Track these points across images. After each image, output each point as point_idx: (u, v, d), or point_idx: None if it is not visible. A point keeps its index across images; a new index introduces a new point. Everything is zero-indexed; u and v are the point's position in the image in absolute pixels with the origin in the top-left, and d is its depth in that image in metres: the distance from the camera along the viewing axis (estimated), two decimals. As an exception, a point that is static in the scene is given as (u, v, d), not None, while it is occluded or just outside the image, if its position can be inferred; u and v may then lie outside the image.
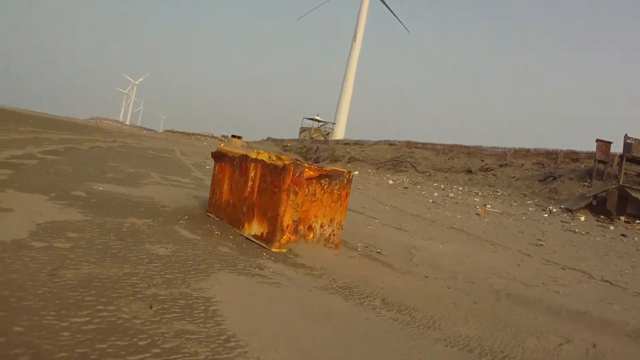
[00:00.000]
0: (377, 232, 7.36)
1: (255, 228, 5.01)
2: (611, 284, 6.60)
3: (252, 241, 4.91)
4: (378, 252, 5.63)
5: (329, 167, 5.35)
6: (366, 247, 5.83)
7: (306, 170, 4.89)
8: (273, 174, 4.91)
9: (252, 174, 5.24)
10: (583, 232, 16.51)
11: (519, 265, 6.67)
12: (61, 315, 2.35)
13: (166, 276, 3.24)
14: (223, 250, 4.31)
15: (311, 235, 5.01)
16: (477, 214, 17.17)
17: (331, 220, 5.18)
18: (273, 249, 4.67)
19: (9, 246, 3.23)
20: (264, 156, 5.66)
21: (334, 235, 5.23)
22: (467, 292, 4.40)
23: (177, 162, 16.20)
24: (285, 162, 4.93)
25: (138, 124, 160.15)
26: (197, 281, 3.27)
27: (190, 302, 2.87)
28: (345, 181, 5.30)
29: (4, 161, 7.46)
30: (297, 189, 4.81)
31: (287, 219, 4.78)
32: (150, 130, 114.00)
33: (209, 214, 5.96)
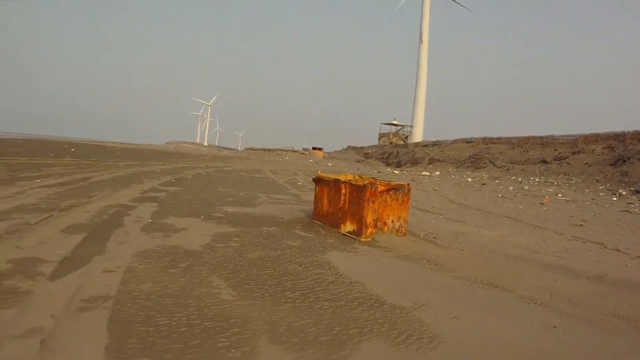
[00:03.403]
0: (438, 225, 9.75)
1: (348, 227, 7.62)
2: (619, 251, 8.26)
3: (347, 235, 7.51)
4: (434, 237, 8.08)
5: (394, 182, 7.89)
6: (426, 234, 8.29)
7: (379, 186, 7.45)
8: (357, 190, 7.49)
9: (343, 192, 7.83)
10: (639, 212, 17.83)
11: (544, 241, 8.77)
12: (259, 270, 5.06)
13: (302, 255, 5.93)
14: (330, 241, 6.97)
15: (386, 228, 7.56)
16: (541, 203, 18.87)
17: (398, 217, 7.71)
18: (362, 239, 7.25)
19: (206, 247, 5.90)
20: (350, 178, 8.31)
21: (401, 227, 7.75)
22: (486, 256, 6.80)
23: (272, 181, 18.87)
24: (365, 182, 7.52)
25: (216, 144, 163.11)
26: (320, 255, 5.94)
27: (320, 263, 5.54)
28: (406, 191, 7.82)
29: (143, 196, 10.38)
30: (374, 199, 7.38)
31: (369, 219, 7.35)
32: (229, 149, 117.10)
33: (314, 221, 8.59)
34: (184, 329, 3.28)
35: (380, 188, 7.48)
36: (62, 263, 4.60)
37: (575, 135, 43.19)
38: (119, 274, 4.40)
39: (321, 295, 4.35)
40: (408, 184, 7.95)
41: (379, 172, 41.02)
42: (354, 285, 4.72)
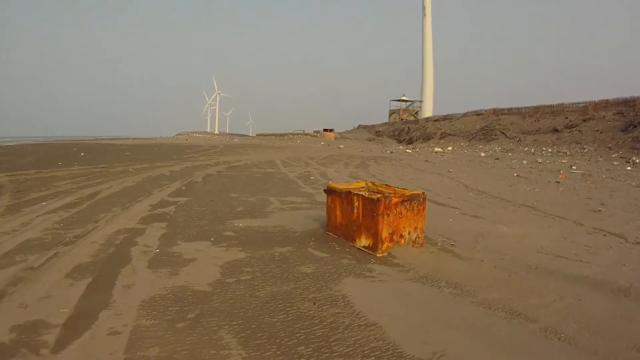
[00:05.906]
0: (455, 224, 9.36)
1: (363, 241, 7.29)
2: (640, 244, 7.97)
3: (363, 250, 7.19)
4: (452, 245, 7.71)
5: (408, 192, 7.54)
6: (444, 241, 7.92)
7: (393, 198, 7.10)
8: (371, 204, 7.14)
9: (356, 204, 7.48)
10: (655, 185, 17.33)
11: (565, 238, 8.33)
12: (271, 316, 4.77)
13: (316, 286, 5.60)
14: (345, 262, 6.64)
15: (402, 241, 7.23)
16: (557, 181, 18.38)
17: (415, 228, 7.37)
18: (378, 254, 6.94)
19: (216, 285, 5.57)
20: (362, 185, 7.99)
21: (418, 237, 7.41)
22: (507, 269, 6.44)
23: (284, 177, 18.25)
24: (379, 195, 7.18)
25: (227, 132, 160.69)
26: (335, 286, 5.62)
27: (335, 298, 5.22)
28: (422, 200, 7.45)
29: (152, 214, 9.95)
30: (388, 212, 7.04)
31: (384, 233, 7.01)
32: (241, 135, 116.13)
33: (328, 233, 8.26)
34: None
35: (395, 200, 7.12)
36: (66, 326, 4.36)
37: (585, 102, 42.51)
38: (125, 336, 4.18)
39: (336, 348, 4.05)
40: (424, 193, 7.58)
41: (391, 152, 40.64)
42: (370, 330, 4.40)
